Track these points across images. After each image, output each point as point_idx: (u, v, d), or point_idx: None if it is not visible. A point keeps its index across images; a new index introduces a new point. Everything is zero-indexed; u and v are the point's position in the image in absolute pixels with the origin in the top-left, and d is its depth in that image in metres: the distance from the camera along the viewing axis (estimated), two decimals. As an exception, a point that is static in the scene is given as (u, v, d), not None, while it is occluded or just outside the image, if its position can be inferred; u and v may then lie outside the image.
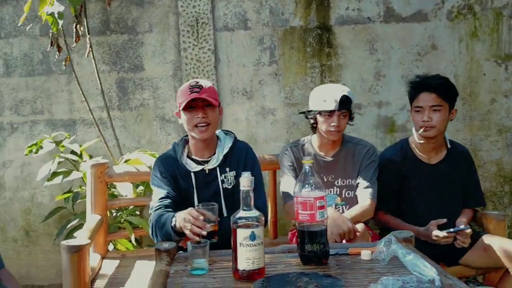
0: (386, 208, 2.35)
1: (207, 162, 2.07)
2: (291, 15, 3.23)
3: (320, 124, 2.25)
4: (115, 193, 2.84)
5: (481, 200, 2.47)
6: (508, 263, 2.10)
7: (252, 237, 1.44)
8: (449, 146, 2.39)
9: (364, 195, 2.22)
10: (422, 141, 2.33)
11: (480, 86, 3.28)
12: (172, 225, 1.79)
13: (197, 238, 1.60)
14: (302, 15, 3.23)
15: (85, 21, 2.89)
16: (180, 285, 1.45)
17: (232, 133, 2.17)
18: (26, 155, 2.90)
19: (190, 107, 1.99)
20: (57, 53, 2.84)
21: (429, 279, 1.37)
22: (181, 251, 1.74)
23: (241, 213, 1.47)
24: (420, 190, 2.38)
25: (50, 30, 2.71)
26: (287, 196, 2.24)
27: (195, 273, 1.53)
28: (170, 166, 2.06)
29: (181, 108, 2.01)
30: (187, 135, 2.11)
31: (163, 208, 1.94)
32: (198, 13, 3.17)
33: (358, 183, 2.27)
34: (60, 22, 2.52)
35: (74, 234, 2.66)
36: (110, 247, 2.82)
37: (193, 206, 1.97)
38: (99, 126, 2.97)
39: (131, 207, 2.84)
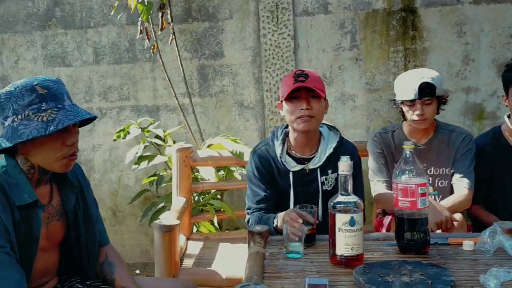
0: (478, 198, 2.22)
1: (307, 160, 1.94)
2: (374, -3, 3.13)
3: (405, 113, 2.18)
4: (198, 177, 2.91)
5: None
6: None
7: (352, 222, 1.41)
8: None
9: (461, 185, 2.11)
10: None
11: None
12: (274, 225, 1.78)
13: (296, 239, 1.53)
14: (386, -2, 3.13)
15: (169, 9, 2.96)
16: (277, 267, 1.46)
17: (337, 130, 2.01)
18: (114, 140, 3.04)
19: (293, 97, 1.84)
20: (146, 40, 2.94)
21: (545, 272, 1.29)
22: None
23: (339, 198, 1.45)
24: None
25: (140, 18, 2.81)
26: (376, 184, 2.18)
27: (290, 256, 1.53)
28: (267, 163, 1.94)
29: (283, 98, 1.86)
30: (287, 126, 1.98)
31: (258, 210, 1.93)
32: (278, -2, 3.16)
33: (453, 172, 2.16)
34: (150, 10, 2.60)
35: (160, 216, 2.77)
36: (194, 229, 2.90)
37: (288, 205, 1.92)
38: (183, 112, 3.05)
39: (213, 191, 2.91)
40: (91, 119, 1.48)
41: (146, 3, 2.59)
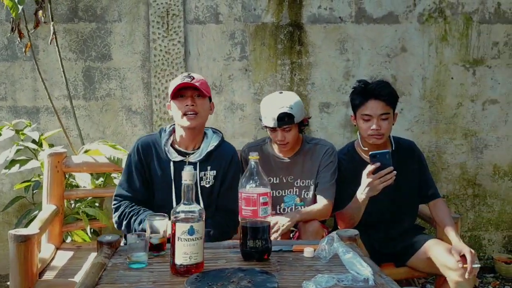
0: (341, 205, 2.28)
1: (189, 154, 2.02)
2: (264, 11, 3.21)
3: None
4: (74, 183, 2.79)
5: (436, 191, 2.36)
6: (445, 272, 2.10)
7: (191, 231, 1.42)
8: (393, 147, 2.30)
9: (322, 195, 2.20)
10: (366, 148, 2.26)
11: (448, 89, 3.31)
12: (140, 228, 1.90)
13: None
14: (274, 12, 3.22)
15: (49, 7, 2.83)
16: (114, 278, 1.42)
17: (221, 132, 2.13)
18: (-15, 142, 2.83)
19: (180, 96, 1.95)
20: (19, 39, 2.78)
21: (364, 277, 1.37)
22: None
23: (181, 207, 1.45)
24: None
25: (11, 16, 2.65)
26: None
27: (133, 267, 1.50)
28: (148, 151, 2.02)
29: (171, 97, 1.96)
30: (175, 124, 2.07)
31: (130, 200, 2.01)
32: (168, 4, 3.13)
33: (317, 183, 2.25)
34: (20, 7, 2.46)
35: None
36: (68, 238, 2.78)
37: (171, 195, 1.97)
38: (58, 115, 2.90)
39: (89, 198, 2.80)
40: None
41: (16, 0, 2.44)
